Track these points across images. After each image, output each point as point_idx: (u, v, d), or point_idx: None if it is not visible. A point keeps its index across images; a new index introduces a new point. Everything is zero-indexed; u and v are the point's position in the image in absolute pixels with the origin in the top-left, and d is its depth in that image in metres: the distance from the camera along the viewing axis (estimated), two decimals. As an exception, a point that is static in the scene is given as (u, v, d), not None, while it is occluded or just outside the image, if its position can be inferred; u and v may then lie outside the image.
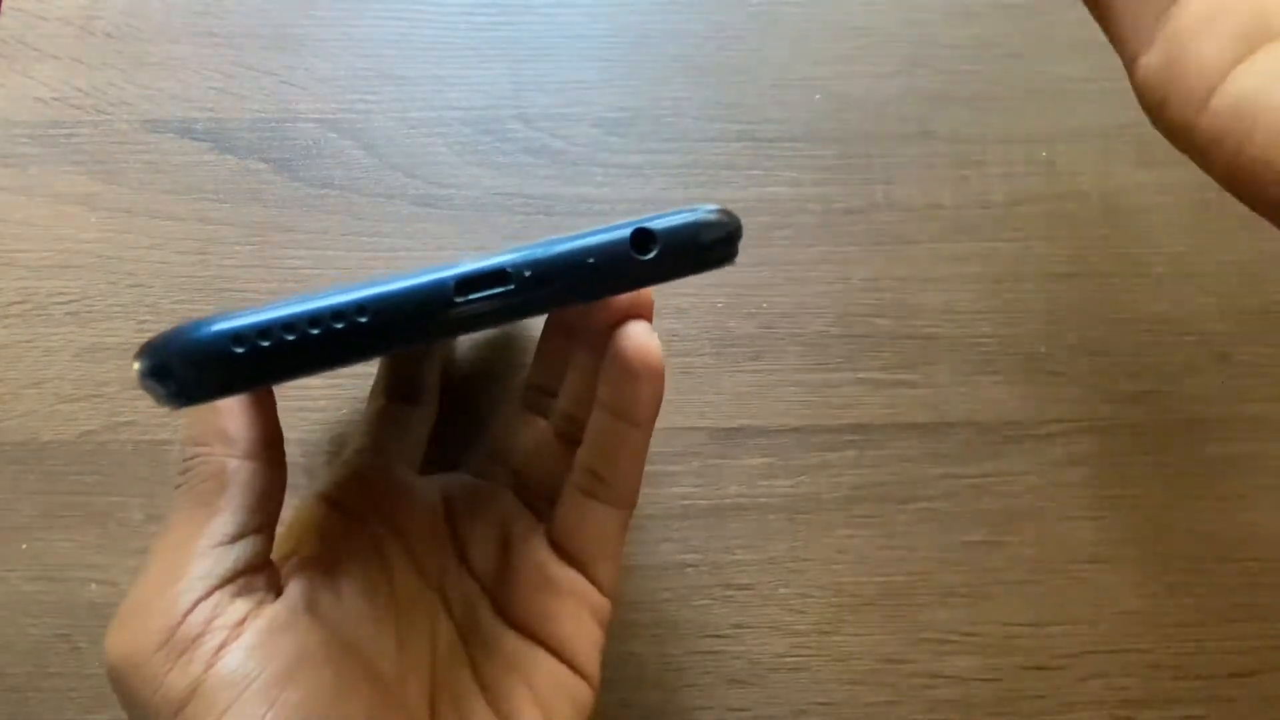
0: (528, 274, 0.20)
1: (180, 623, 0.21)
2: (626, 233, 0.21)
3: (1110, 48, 0.26)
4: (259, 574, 0.23)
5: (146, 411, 0.34)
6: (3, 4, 0.38)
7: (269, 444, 0.24)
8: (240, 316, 0.18)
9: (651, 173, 0.37)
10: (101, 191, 0.36)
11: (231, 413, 0.24)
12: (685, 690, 0.33)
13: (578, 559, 0.27)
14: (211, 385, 0.18)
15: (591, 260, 0.20)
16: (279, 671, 0.22)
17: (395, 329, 0.19)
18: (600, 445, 0.26)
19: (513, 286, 0.20)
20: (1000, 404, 0.35)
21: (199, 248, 0.36)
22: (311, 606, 0.24)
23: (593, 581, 0.27)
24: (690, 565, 0.34)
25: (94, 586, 0.33)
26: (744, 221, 0.23)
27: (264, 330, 0.18)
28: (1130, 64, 0.25)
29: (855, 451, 0.35)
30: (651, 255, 0.21)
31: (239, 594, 0.22)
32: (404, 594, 0.27)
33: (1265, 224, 0.23)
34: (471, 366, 0.35)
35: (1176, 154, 0.24)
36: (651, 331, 0.24)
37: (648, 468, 0.27)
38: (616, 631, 0.29)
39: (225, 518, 0.23)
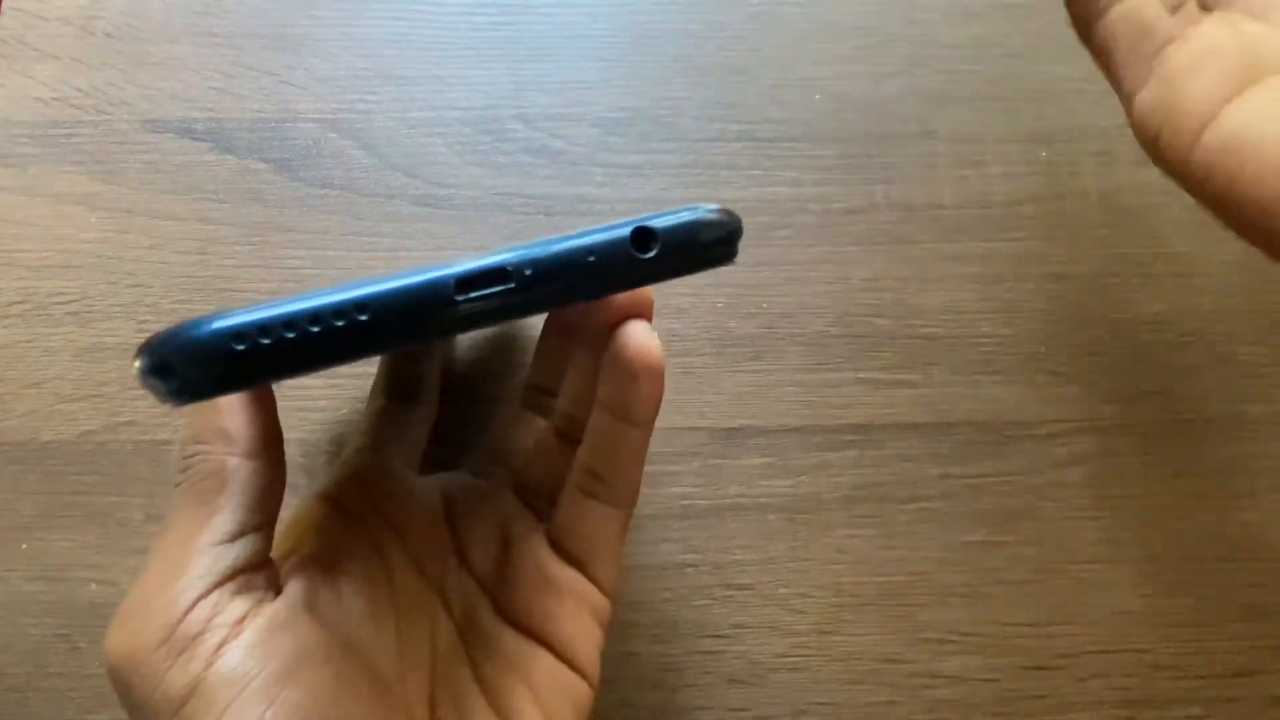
0: (528, 272, 0.20)
1: (180, 621, 0.21)
2: (627, 231, 0.21)
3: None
4: (259, 572, 0.23)
5: (146, 411, 0.34)
6: (3, 4, 0.38)
7: (269, 442, 0.24)
8: (241, 314, 0.18)
9: (651, 173, 0.37)
10: (101, 191, 0.36)
11: (231, 411, 0.24)
12: (685, 690, 0.33)
13: (578, 559, 0.27)
14: (212, 382, 0.18)
15: (592, 259, 0.20)
16: (279, 670, 0.22)
17: (396, 327, 0.19)
18: (600, 445, 0.26)
19: (513, 285, 0.20)
20: (1000, 404, 0.35)
21: (199, 248, 0.36)
22: (311, 605, 0.24)
23: (593, 581, 0.27)
24: (690, 565, 0.34)
25: (94, 586, 0.33)
26: (744, 221, 0.23)
27: (265, 328, 0.18)
28: (1127, 101, 0.27)
29: (855, 451, 0.35)
30: (652, 254, 0.21)
31: (239, 592, 0.22)
32: (404, 593, 0.26)
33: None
34: (471, 366, 0.35)
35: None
36: (651, 331, 0.24)
37: (648, 468, 0.27)
38: (616, 631, 0.29)
39: (225, 516, 0.23)
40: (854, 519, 0.34)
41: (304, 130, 0.37)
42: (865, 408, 0.35)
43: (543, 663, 0.26)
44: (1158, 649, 0.33)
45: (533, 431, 0.30)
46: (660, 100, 0.38)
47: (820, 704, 0.33)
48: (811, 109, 0.38)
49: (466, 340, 0.36)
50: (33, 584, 0.33)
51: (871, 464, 0.35)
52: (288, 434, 0.25)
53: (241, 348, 0.18)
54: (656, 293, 0.25)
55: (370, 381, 0.32)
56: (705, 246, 0.22)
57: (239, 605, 0.22)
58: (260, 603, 0.23)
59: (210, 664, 0.21)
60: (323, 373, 0.19)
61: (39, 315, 0.35)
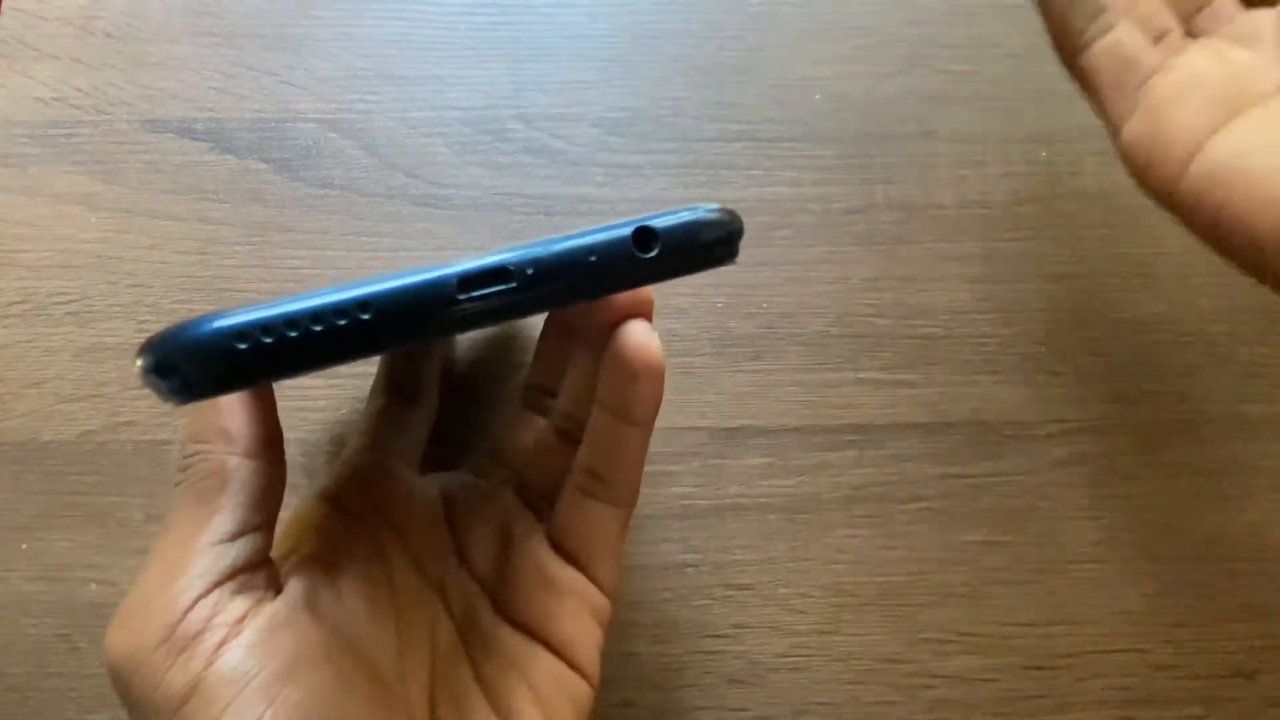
0: (530, 272, 0.20)
1: (180, 620, 0.21)
2: (628, 231, 0.21)
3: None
4: (259, 572, 0.23)
5: (146, 411, 0.34)
6: (3, 4, 0.38)
7: (269, 442, 0.24)
8: (244, 313, 0.18)
9: (651, 173, 0.37)
10: (101, 191, 0.36)
11: (232, 410, 0.24)
12: (685, 690, 0.33)
13: (578, 558, 0.27)
14: (214, 381, 0.18)
15: (593, 258, 0.20)
16: (279, 669, 0.22)
17: (397, 326, 0.19)
18: (600, 445, 0.26)
19: (515, 284, 0.20)
20: (1000, 404, 0.35)
21: (199, 248, 0.36)
22: (311, 605, 0.24)
23: (593, 581, 0.27)
24: (690, 565, 0.34)
25: (94, 586, 0.33)
26: (744, 221, 0.23)
27: (267, 327, 0.18)
28: (1114, 132, 0.27)
29: (855, 451, 0.35)
30: (653, 254, 0.21)
31: (239, 591, 0.22)
32: (404, 593, 0.26)
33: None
34: (471, 366, 0.35)
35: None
36: (652, 331, 0.24)
37: (648, 468, 0.27)
38: (616, 631, 0.29)
39: (225, 515, 0.23)
40: (854, 519, 0.34)
41: (304, 130, 0.37)
42: (865, 408, 0.35)
43: (543, 662, 0.26)
44: (1158, 649, 0.33)
45: (533, 431, 0.30)
46: (660, 100, 0.38)
47: (820, 704, 0.33)
48: (811, 109, 0.38)
49: (466, 340, 0.36)
50: (33, 584, 0.33)
51: (871, 464, 0.35)
52: (288, 434, 0.25)
53: (244, 347, 0.18)
54: (656, 293, 0.25)
55: (370, 381, 0.32)
56: (706, 246, 0.22)
57: (239, 604, 0.22)
58: (260, 602, 0.23)
59: (210, 663, 0.21)
60: (323, 372, 0.20)
61: (39, 315, 0.35)
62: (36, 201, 0.36)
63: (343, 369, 0.22)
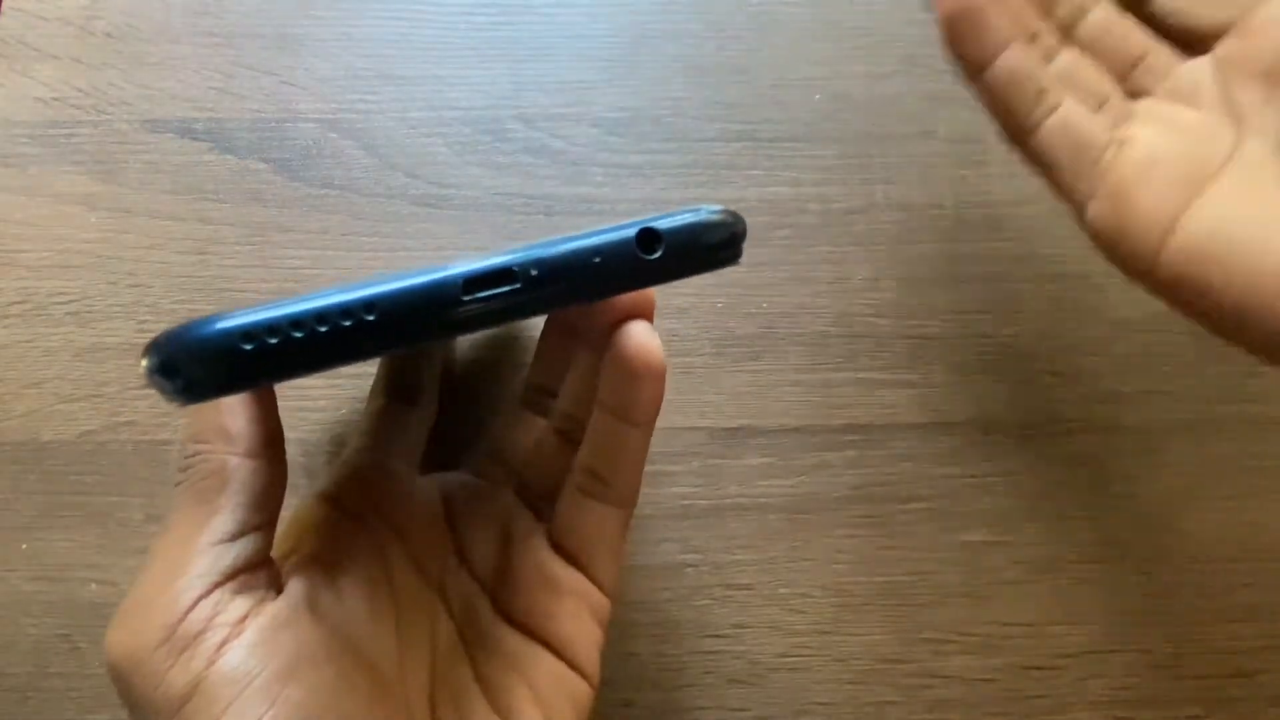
0: (534, 273, 0.20)
1: (181, 620, 0.21)
2: (632, 232, 0.21)
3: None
4: (259, 571, 0.23)
5: (146, 411, 0.34)
6: (3, 4, 0.38)
7: (270, 442, 0.24)
8: (248, 314, 0.18)
9: (651, 173, 0.37)
10: (101, 191, 0.36)
11: (233, 410, 0.24)
12: (685, 690, 0.33)
13: (578, 558, 0.27)
14: (218, 382, 0.18)
15: (597, 260, 0.20)
16: (280, 669, 0.22)
17: (402, 327, 0.19)
18: (600, 445, 0.26)
19: (519, 285, 0.20)
20: (1000, 404, 0.35)
21: (199, 248, 0.36)
22: (312, 605, 0.24)
23: (593, 581, 0.27)
24: (690, 565, 0.34)
25: (94, 586, 0.33)
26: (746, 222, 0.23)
27: (272, 327, 0.18)
28: (1077, 211, 0.27)
29: (855, 451, 0.35)
30: (657, 255, 0.21)
31: (240, 591, 0.22)
32: (404, 593, 0.26)
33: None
34: (471, 366, 0.35)
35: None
36: (652, 331, 0.24)
37: (648, 468, 0.27)
38: (616, 631, 0.29)
39: (226, 515, 0.23)
40: (854, 519, 0.34)
41: (304, 130, 0.37)
42: (865, 408, 0.35)
43: (543, 662, 0.26)
44: (1158, 649, 0.33)
45: (533, 431, 0.30)
46: (660, 100, 0.38)
47: (820, 704, 0.33)
48: (811, 109, 0.38)
49: (466, 340, 0.36)
50: (33, 584, 0.33)
51: (871, 464, 0.35)
52: (288, 434, 0.25)
53: (249, 347, 0.18)
54: (657, 293, 0.25)
55: (370, 381, 0.32)
56: (710, 248, 0.22)
57: (240, 604, 0.22)
58: (261, 602, 0.23)
59: (211, 663, 0.21)
60: (324, 373, 0.20)
61: (39, 315, 0.35)
62: (36, 201, 0.36)
63: (343, 369, 0.22)
